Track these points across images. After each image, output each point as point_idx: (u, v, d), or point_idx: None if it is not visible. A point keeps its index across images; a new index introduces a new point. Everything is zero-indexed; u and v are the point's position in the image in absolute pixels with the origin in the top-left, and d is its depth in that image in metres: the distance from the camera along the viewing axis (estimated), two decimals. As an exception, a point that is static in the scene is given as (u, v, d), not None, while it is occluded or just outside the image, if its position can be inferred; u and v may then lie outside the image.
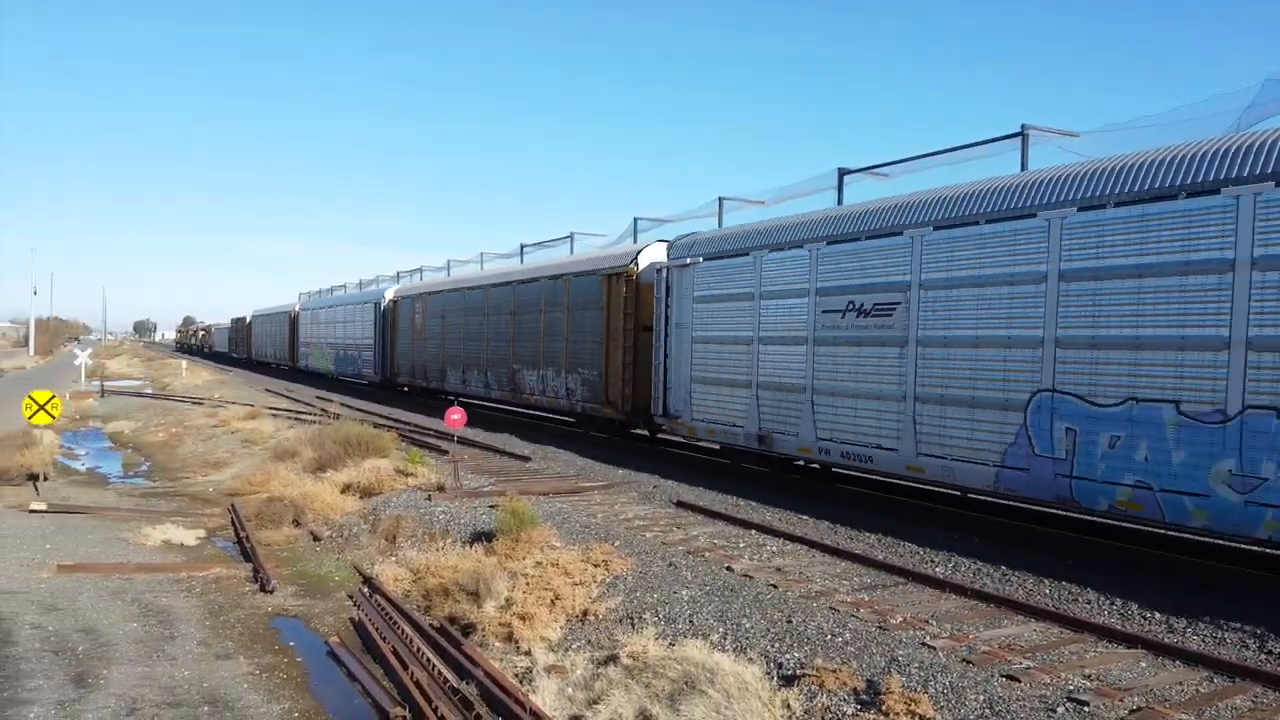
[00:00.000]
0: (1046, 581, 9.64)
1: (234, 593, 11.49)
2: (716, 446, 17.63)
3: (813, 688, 6.95)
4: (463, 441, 20.32)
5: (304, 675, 8.90)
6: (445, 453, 18.82)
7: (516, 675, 8.48)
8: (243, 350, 73.39)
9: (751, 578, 9.71)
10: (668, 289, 17.75)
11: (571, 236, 27.18)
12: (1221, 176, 9.11)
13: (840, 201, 15.57)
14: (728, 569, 10.08)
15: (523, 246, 30.76)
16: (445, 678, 8.25)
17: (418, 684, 8.03)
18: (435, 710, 7.53)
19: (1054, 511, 12.23)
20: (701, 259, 16.82)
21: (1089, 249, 10.23)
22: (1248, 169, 8.93)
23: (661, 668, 7.61)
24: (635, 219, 22.16)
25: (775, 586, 9.38)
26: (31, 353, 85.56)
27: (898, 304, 12.64)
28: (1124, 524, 11.19)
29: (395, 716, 7.68)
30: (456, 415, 15.66)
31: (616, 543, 11.12)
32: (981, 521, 12.14)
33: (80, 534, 14.16)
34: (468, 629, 9.69)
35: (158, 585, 11.64)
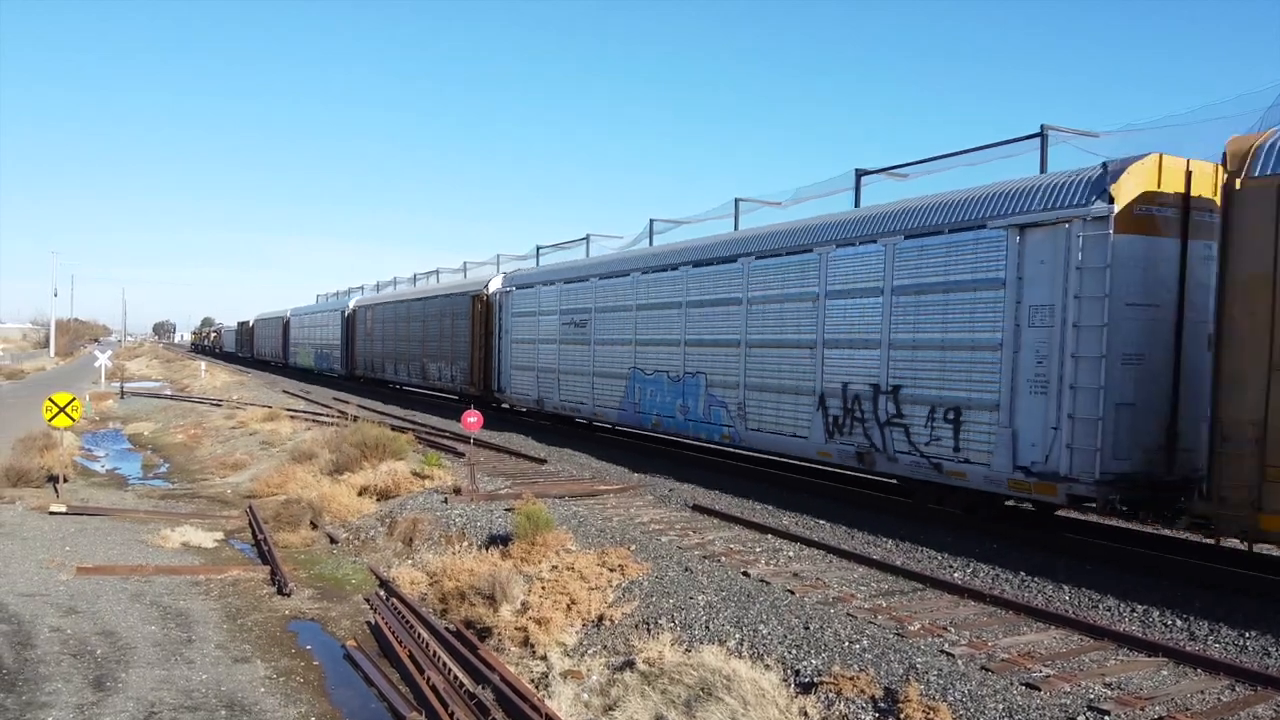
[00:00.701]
0: (1066, 587, 9.57)
1: (252, 595, 11.55)
2: (524, 410, 26.15)
3: (830, 695, 6.92)
4: (478, 443, 20.35)
5: (321, 679, 8.95)
6: (461, 454, 18.86)
7: (533, 680, 8.49)
8: (246, 350, 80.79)
9: (768, 583, 9.67)
10: (500, 307, 26.88)
11: (588, 238, 27.15)
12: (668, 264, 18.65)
13: (857, 203, 15.60)
14: (744, 574, 10.04)
15: (539, 248, 30.75)
16: (461, 682, 8.27)
17: (434, 688, 8.05)
18: (451, 714, 7.55)
19: (1069, 516, 12.20)
20: (515, 288, 25.82)
21: (640, 294, 19.36)
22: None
23: (678, 674, 7.59)
24: (651, 220, 22.27)
25: (792, 592, 9.33)
26: (52, 354, 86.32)
27: (588, 320, 21.50)
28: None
29: (411, 721, 7.70)
30: (474, 418, 15.66)
31: (632, 546, 11.10)
32: (1000, 526, 12.06)
33: (100, 536, 14.27)
34: (484, 633, 9.70)
35: (176, 588, 11.72)
